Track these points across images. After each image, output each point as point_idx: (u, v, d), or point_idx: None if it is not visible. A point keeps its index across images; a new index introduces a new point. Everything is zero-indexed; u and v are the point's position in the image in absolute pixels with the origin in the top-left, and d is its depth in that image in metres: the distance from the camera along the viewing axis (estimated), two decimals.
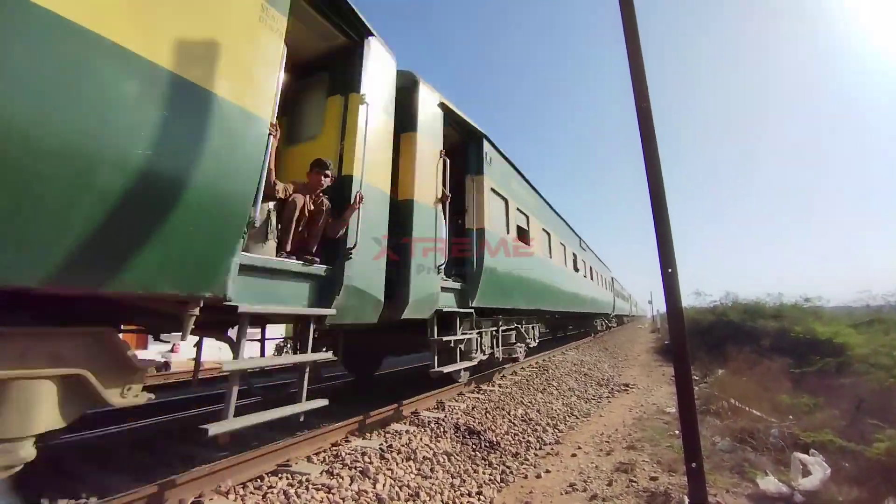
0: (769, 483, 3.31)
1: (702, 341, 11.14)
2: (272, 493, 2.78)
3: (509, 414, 5.22)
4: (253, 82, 2.83)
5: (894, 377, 5.08)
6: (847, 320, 10.46)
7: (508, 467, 3.81)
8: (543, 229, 9.92)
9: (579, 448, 4.50)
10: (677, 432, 4.80)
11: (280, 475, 3.07)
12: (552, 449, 4.47)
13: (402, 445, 3.77)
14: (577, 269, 13.82)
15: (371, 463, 3.33)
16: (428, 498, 3.04)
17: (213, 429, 2.58)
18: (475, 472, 3.62)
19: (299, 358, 3.41)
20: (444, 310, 5.38)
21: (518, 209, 8.15)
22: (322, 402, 3.47)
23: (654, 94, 3.37)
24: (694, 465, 2.75)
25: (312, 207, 3.68)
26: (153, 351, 12.84)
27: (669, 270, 3.00)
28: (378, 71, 4.35)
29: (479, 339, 6.46)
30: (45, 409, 2.01)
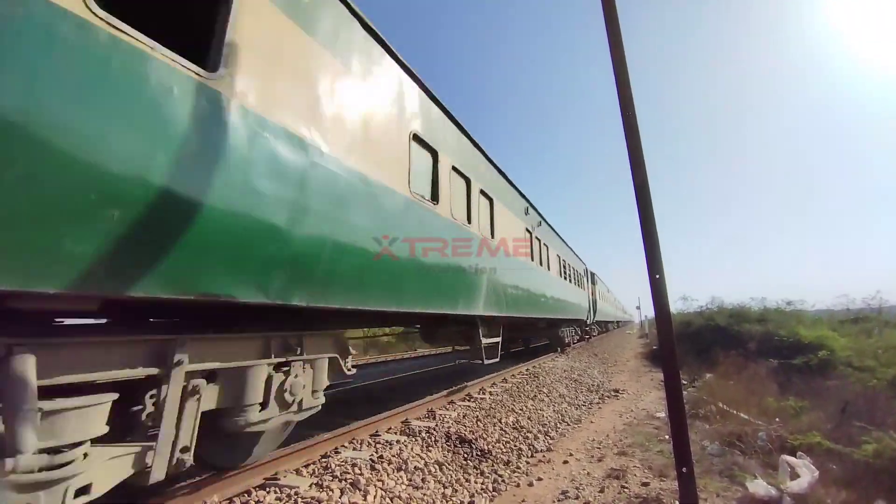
0: (758, 486, 3.33)
1: (690, 346, 11.27)
2: None
3: (500, 422, 5.20)
4: None
5: (878, 378, 5.17)
6: (829, 324, 10.68)
7: (500, 476, 3.77)
8: (599, 290, 24.53)
9: (571, 455, 4.49)
10: (667, 437, 4.82)
11: (268, 489, 3.00)
12: (544, 456, 4.45)
13: (393, 455, 3.73)
14: (606, 302, 30.69)
15: (361, 474, 3.28)
16: None
17: None
18: (467, 481, 3.58)
19: None
20: (588, 320, 19.06)
21: (600, 287, 25.46)
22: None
23: (638, 99, 3.43)
24: (684, 469, 2.76)
25: None
26: None
27: (657, 276, 3.02)
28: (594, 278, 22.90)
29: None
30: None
